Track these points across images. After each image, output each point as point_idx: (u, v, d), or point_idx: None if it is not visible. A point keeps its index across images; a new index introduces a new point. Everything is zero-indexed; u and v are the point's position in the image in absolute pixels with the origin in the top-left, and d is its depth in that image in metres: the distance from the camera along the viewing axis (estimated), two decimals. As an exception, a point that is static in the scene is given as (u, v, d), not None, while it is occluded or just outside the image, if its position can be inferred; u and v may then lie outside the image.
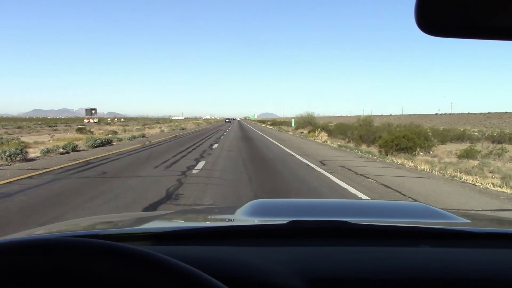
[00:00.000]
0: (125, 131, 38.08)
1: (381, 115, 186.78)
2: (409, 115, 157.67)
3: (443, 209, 1.66)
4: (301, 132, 39.09)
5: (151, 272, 0.54)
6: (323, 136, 36.46)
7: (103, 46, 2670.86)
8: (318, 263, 0.93)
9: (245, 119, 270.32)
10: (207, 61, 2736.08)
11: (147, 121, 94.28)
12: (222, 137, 28.02)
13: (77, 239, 0.57)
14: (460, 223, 1.42)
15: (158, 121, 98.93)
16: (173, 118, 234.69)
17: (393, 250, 1.04)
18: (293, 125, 47.54)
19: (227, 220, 1.64)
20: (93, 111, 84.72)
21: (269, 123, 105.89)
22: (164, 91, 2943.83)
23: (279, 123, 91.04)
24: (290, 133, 40.55)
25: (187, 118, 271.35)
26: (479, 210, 6.34)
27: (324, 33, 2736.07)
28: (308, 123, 63.20)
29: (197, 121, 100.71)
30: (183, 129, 47.92)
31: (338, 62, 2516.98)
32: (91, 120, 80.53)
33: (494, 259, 1.00)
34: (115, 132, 32.47)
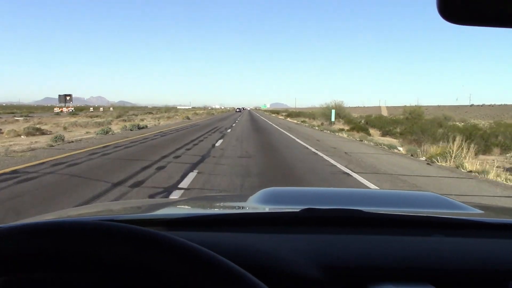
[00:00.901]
0: (66, 129, 23.90)
1: (401, 106, 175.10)
2: (438, 106, 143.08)
3: (456, 200, 1.64)
4: (342, 130, 27.28)
5: (177, 257, 0.54)
6: (382, 137, 25.27)
7: (113, 35, 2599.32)
8: (332, 251, 0.93)
9: (256, 109, 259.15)
10: (217, 50, 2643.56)
11: (137, 111, 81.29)
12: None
13: (102, 222, 0.58)
14: (473, 213, 1.41)
15: (152, 110, 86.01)
16: (180, 107, 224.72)
17: (406, 239, 1.03)
18: (332, 118, 34.36)
19: (239, 207, 1.65)
20: (67, 98, 68.83)
21: (283, 114, 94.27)
22: (173, 80, 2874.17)
23: (296, 114, 79.54)
24: (325, 131, 26.99)
25: (194, 107, 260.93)
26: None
27: (339, 22, 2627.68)
28: (336, 116, 52.77)
29: (198, 112, 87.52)
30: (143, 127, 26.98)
31: (351, 52, 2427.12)
32: (65, 109, 64.31)
33: (508, 250, 1.00)
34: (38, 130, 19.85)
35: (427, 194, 1.92)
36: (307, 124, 39.00)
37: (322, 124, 38.56)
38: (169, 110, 72.41)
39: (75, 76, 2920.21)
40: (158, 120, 37.90)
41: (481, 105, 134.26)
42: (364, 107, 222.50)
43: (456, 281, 0.86)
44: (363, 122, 38.37)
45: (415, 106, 48.92)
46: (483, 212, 1.50)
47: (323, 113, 53.04)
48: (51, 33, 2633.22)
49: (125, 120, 34.16)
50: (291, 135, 20.57)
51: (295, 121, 49.18)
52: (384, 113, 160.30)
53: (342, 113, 51.50)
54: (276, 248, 0.89)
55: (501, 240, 1.06)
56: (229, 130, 22.99)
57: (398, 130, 29.02)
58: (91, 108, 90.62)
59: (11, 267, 0.54)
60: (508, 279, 0.86)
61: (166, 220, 1.11)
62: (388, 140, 22.18)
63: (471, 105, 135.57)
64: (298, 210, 1.12)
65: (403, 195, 2.01)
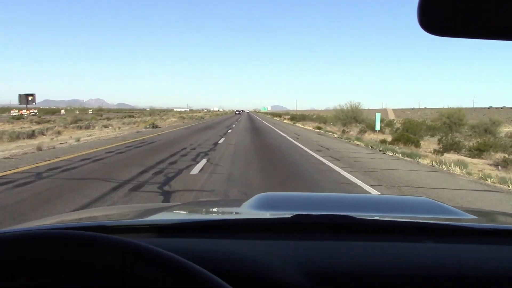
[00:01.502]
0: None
1: (407, 109, 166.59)
2: (449, 108, 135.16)
3: (449, 205, 1.62)
4: (384, 141, 18.65)
5: (141, 263, 0.54)
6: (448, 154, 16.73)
7: (112, 37, 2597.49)
8: (321, 258, 0.93)
9: (255, 111, 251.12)
10: (216, 53, 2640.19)
11: (119, 113, 72.43)
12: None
13: (68, 232, 0.58)
14: (466, 219, 1.42)
15: (135, 113, 73.42)
16: (177, 110, 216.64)
17: (397, 245, 1.03)
18: (377, 127, 22.39)
19: (232, 213, 1.64)
20: (30, 98, 56.90)
21: (286, 117, 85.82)
22: (173, 83, 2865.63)
23: (300, 117, 71.36)
24: (360, 144, 17.76)
25: (192, 110, 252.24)
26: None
27: (338, 24, 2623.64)
28: (353, 119, 44.42)
29: (189, 115, 74.06)
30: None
31: (351, 54, 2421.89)
32: (25, 112, 52.59)
33: (499, 256, 0.99)
34: None
35: (420, 200, 1.87)
36: (322, 131, 29.89)
37: (343, 132, 29.80)
38: (153, 113, 62.16)
39: (74, 78, 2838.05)
40: (106, 129, 27.02)
41: (501, 107, 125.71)
42: (367, 109, 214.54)
43: (444, 287, 0.86)
44: (401, 129, 29.87)
45: (454, 108, 40.36)
46: (475, 217, 1.49)
47: (336, 116, 45.16)
48: (50, 34, 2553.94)
49: (80, 127, 25.30)
50: (350, 176, 8.62)
51: (308, 127, 38.27)
52: (391, 116, 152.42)
53: (359, 117, 43.59)
54: (265, 255, 0.89)
55: (492, 246, 1.05)
56: (203, 162, 10.08)
57: (467, 142, 20.13)
58: (62, 111, 79.50)
59: None
60: (498, 285, 0.85)
61: (157, 226, 1.10)
62: (468, 161, 13.82)
63: (489, 108, 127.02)
64: (288, 216, 1.11)
65: (396, 201, 1.99)
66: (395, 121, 56.23)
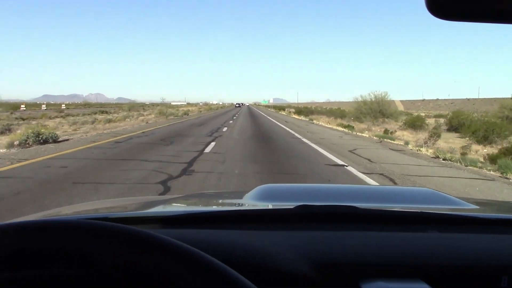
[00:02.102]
0: None
1: (417, 100, 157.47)
2: (484, 98, 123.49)
3: (452, 195, 1.62)
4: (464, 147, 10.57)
5: (158, 254, 0.54)
6: None
7: (112, 30, 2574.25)
8: (325, 248, 0.93)
9: (256, 104, 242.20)
10: (216, 46, 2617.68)
11: (94, 108, 61.71)
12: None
13: (93, 222, 0.58)
14: (469, 209, 1.41)
15: (109, 108, 61.35)
16: (174, 103, 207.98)
17: (401, 235, 1.03)
18: None
19: (234, 204, 1.65)
20: None
21: (291, 110, 76.94)
22: (172, 76, 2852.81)
23: (307, 111, 62.93)
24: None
25: (189, 103, 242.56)
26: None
27: (337, 16, 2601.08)
28: (379, 113, 36.25)
29: (169, 110, 56.55)
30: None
31: (350, 46, 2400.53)
32: None
33: (504, 245, 1.00)
34: None
35: (423, 190, 1.89)
36: (355, 133, 20.41)
37: (386, 132, 21.31)
38: (133, 108, 51.31)
39: (74, 73, 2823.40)
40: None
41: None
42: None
43: (450, 277, 0.86)
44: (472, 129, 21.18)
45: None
46: (478, 207, 1.50)
47: (358, 110, 36.78)
48: (50, 29, 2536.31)
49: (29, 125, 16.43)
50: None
51: (331, 126, 26.55)
52: (400, 108, 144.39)
53: (387, 110, 35.42)
54: (269, 245, 0.90)
55: (496, 235, 1.05)
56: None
57: None
58: (43, 106, 72.45)
59: None
60: (502, 274, 0.86)
61: (160, 218, 1.10)
62: None
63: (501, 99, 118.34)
64: (292, 207, 1.11)
65: (399, 191, 2.01)
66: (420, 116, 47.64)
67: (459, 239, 1.02)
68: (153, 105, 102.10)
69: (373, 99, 35.86)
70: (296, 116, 45.73)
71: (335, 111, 56.73)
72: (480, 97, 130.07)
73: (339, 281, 0.83)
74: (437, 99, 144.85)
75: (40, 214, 1.46)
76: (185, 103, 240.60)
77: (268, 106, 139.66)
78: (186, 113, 42.25)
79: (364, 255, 0.90)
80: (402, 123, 28.66)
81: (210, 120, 32.66)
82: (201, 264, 0.53)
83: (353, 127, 24.12)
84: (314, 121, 31.97)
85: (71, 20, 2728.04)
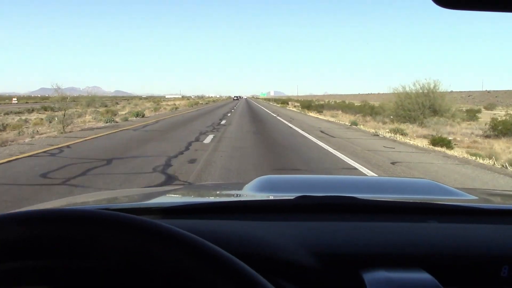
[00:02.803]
0: None
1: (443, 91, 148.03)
2: (507, 91, 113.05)
3: (451, 186, 1.64)
4: None
5: (167, 244, 0.54)
6: None
7: (108, 23, 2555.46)
8: (326, 238, 0.94)
9: (254, 97, 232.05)
10: (212, 39, 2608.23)
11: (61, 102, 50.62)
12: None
13: (103, 211, 0.58)
14: (468, 199, 1.41)
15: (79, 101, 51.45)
16: (169, 97, 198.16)
17: (401, 225, 1.04)
18: None
19: (235, 195, 1.66)
20: None
21: (296, 104, 66.88)
22: (169, 69, 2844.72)
23: (315, 105, 53.18)
24: None
25: (184, 96, 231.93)
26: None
27: (332, 8, 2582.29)
28: (428, 109, 26.67)
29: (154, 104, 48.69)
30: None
31: (348, 38, 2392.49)
32: None
33: (503, 235, 1.01)
34: None
35: (423, 181, 1.88)
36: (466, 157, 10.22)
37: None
38: (93, 103, 37.62)
39: (71, 66, 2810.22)
40: None
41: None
42: (378, 93, 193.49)
43: (450, 266, 0.88)
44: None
45: None
46: (478, 198, 1.50)
47: (398, 105, 28.03)
48: (46, 22, 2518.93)
49: None
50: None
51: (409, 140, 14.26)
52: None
53: (443, 106, 25.94)
54: (270, 236, 0.90)
55: (495, 225, 1.06)
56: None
57: None
58: (14, 99, 63.12)
59: (1, 255, 0.54)
60: (502, 263, 0.87)
61: (160, 209, 1.11)
62: None
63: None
64: (293, 198, 1.12)
65: (398, 182, 2.01)
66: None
67: (459, 229, 1.02)
68: (135, 99, 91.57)
69: (420, 91, 25.90)
70: (312, 114, 34.76)
71: (353, 106, 46.82)
72: (502, 89, 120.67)
73: (340, 270, 0.84)
74: (452, 91, 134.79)
75: (42, 205, 1.48)
76: (180, 96, 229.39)
77: (267, 99, 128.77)
78: (141, 114, 25.64)
79: (364, 245, 0.91)
80: (486, 126, 18.78)
81: (194, 119, 22.97)
82: (210, 255, 0.53)
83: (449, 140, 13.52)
84: (361, 126, 20.43)
85: (68, 13, 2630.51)
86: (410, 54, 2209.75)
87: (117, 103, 54.15)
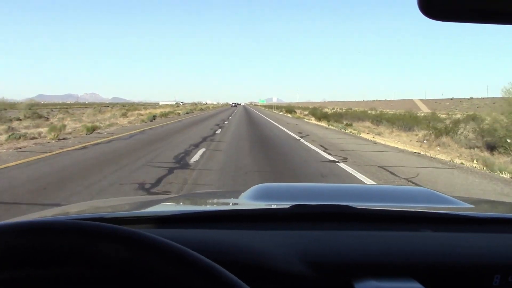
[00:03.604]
0: None
1: (446, 99, 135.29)
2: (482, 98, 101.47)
3: (447, 194, 1.63)
4: None
5: (152, 255, 0.54)
6: None
7: (106, 30, 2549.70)
8: (321, 247, 0.94)
9: (252, 104, 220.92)
10: (212, 46, 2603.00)
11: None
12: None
13: (87, 222, 0.57)
14: (463, 208, 1.42)
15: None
16: (162, 103, 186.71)
17: (395, 234, 1.04)
18: None
19: (230, 204, 1.65)
20: None
21: (303, 112, 54.57)
22: (168, 76, 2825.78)
23: (335, 115, 41.27)
24: None
25: (177, 102, 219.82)
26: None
27: (330, 15, 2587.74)
28: None
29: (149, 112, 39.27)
30: None
31: (345, 46, 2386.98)
32: None
33: (495, 244, 1.01)
34: None
35: (418, 189, 1.90)
36: None
37: None
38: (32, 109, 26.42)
39: (69, 73, 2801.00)
40: None
41: None
42: (385, 100, 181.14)
43: (442, 276, 0.87)
44: None
45: None
46: (473, 206, 1.50)
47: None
48: (45, 29, 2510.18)
49: None
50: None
51: None
52: (424, 108, 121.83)
53: None
54: (264, 245, 0.90)
55: (489, 234, 1.06)
56: None
57: None
58: None
59: None
60: (494, 273, 0.87)
61: (156, 218, 1.10)
62: None
63: None
64: (288, 206, 1.12)
65: (394, 190, 2.01)
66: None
67: (452, 238, 1.02)
68: (115, 106, 79.29)
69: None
70: (333, 127, 23.10)
71: (387, 116, 34.80)
72: (488, 96, 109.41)
73: (332, 280, 0.84)
74: (471, 98, 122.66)
75: (37, 214, 1.46)
76: (174, 102, 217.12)
77: (269, 106, 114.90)
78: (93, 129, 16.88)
79: (358, 254, 0.91)
80: None
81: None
82: (190, 262, 0.53)
83: None
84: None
85: (66, 20, 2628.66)
86: (413, 60, 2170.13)
87: (66, 112, 40.80)
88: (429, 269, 0.87)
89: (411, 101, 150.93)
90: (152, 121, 26.97)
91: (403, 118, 28.72)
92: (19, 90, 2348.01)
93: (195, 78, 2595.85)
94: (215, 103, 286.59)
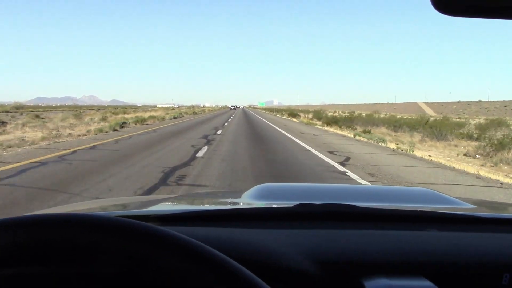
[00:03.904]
0: None
1: (452, 102, 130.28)
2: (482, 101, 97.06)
3: (449, 195, 1.63)
4: None
5: (172, 251, 0.54)
6: None
7: (105, 32, 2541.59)
8: (326, 246, 0.94)
9: (251, 107, 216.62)
10: (211, 49, 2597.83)
11: None
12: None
13: (108, 217, 0.57)
14: (466, 208, 1.43)
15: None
16: (159, 106, 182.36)
17: (400, 233, 1.04)
18: None
19: (234, 203, 1.65)
20: None
21: (307, 115, 49.55)
22: (166, 79, 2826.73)
23: (345, 119, 36.68)
24: None
25: (174, 105, 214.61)
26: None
27: (329, 18, 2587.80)
28: None
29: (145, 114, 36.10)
30: None
31: (344, 49, 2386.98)
32: None
33: (503, 244, 1.01)
34: None
35: (421, 190, 1.89)
36: None
37: None
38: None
39: (67, 75, 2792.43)
40: None
41: None
42: (388, 103, 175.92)
43: (450, 274, 0.87)
44: None
45: None
46: (476, 207, 1.51)
47: None
48: (43, 31, 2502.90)
49: None
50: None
51: None
52: (429, 111, 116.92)
53: None
54: (270, 243, 0.90)
55: (495, 234, 1.07)
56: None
57: None
58: None
59: None
60: (502, 271, 0.87)
61: (159, 216, 1.11)
62: None
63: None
64: (292, 206, 1.12)
65: (397, 191, 2.01)
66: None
67: (459, 237, 1.02)
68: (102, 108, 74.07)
69: None
70: (353, 136, 15.73)
71: (410, 123, 29.70)
72: (490, 100, 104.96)
73: (340, 278, 0.84)
74: (480, 101, 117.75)
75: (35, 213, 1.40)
76: (170, 105, 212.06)
77: (270, 110, 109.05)
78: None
79: (365, 253, 0.91)
80: None
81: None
82: (209, 258, 0.53)
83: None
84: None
85: (65, 23, 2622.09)
86: (413, 62, 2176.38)
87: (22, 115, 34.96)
88: (438, 267, 0.87)
89: (415, 104, 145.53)
90: (116, 130, 19.70)
91: (437, 125, 23.78)
92: (18, 93, 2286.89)
93: (194, 81, 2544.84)
94: (213, 105, 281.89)
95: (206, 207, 1.57)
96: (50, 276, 0.54)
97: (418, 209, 1.23)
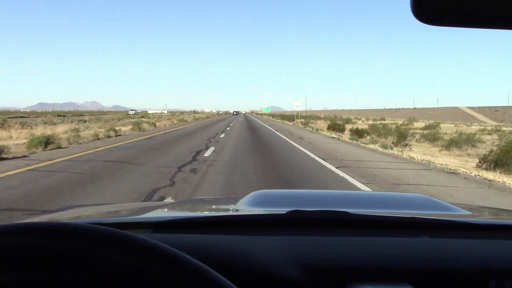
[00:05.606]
0: None
1: (495, 107, 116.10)
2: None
3: (444, 201, 1.64)
4: None
5: (149, 259, 0.54)
6: None
7: (108, 38, 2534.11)
8: (317, 253, 0.94)
9: (253, 113, 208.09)
10: (213, 54, 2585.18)
11: None
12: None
13: (94, 226, 0.57)
14: (460, 214, 1.42)
15: None
16: (153, 111, 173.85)
17: (391, 240, 1.04)
18: None
19: (228, 210, 1.65)
20: None
21: (324, 126, 40.11)
22: (168, 85, 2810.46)
23: (386, 131, 28.00)
24: None
25: (170, 111, 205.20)
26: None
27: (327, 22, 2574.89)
28: None
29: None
30: None
31: (345, 53, 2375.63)
32: None
33: (491, 250, 1.01)
34: None
35: (415, 196, 1.86)
36: None
37: None
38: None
39: (70, 81, 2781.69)
40: None
41: None
42: (426, 108, 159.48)
43: (438, 281, 0.87)
44: None
45: None
46: (470, 213, 1.51)
47: None
48: (46, 36, 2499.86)
49: None
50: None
51: None
52: (481, 119, 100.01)
53: None
54: (261, 250, 0.91)
55: (485, 240, 1.07)
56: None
57: None
58: None
59: None
60: (490, 278, 0.88)
61: (153, 223, 1.11)
62: None
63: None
64: (285, 212, 1.12)
65: (391, 197, 1.98)
66: None
67: (448, 244, 1.02)
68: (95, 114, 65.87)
69: None
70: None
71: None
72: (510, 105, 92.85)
73: (327, 285, 0.84)
74: (490, 106, 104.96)
75: (37, 219, 1.46)
76: (162, 111, 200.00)
77: (273, 115, 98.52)
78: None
79: (354, 260, 0.91)
80: None
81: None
82: (184, 265, 0.53)
83: None
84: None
85: (67, 28, 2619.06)
86: (413, 68, 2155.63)
87: None
88: (426, 274, 0.87)
89: (456, 109, 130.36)
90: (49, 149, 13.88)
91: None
92: (20, 99, 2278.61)
93: (196, 86, 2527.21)
94: (213, 111, 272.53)
95: (201, 214, 1.56)
96: (25, 283, 0.55)
97: (410, 215, 1.21)
